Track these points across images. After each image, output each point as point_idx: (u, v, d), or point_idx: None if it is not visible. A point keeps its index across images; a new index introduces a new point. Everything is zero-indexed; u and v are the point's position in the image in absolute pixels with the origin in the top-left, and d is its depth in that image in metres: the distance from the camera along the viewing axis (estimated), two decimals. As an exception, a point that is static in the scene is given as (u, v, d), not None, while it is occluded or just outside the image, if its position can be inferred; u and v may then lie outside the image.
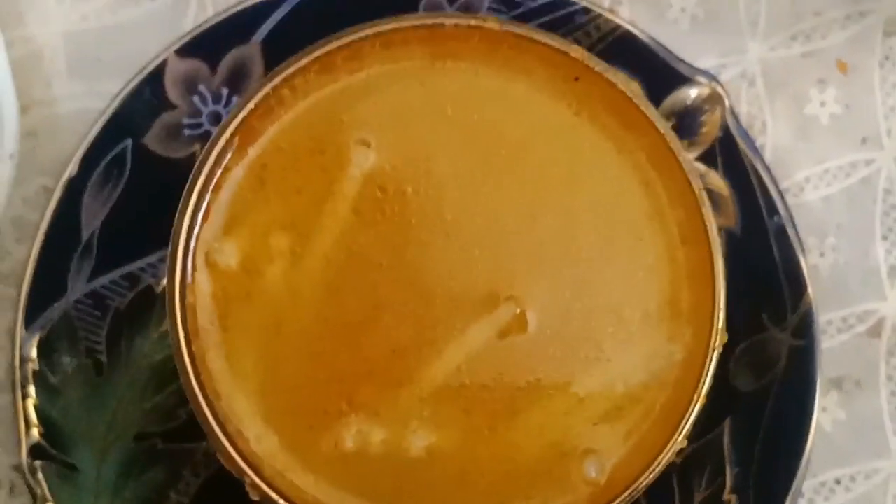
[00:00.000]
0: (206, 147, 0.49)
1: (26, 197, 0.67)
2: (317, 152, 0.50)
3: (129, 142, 0.63)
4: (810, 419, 0.62)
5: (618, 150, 0.51)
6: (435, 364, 0.47)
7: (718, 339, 0.47)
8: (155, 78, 0.63)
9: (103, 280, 0.63)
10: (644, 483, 0.46)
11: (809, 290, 0.64)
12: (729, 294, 0.63)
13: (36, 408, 0.61)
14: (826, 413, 0.67)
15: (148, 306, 0.63)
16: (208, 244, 0.48)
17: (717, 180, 0.64)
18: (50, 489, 0.60)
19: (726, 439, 0.61)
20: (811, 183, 0.70)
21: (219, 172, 0.49)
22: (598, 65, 0.51)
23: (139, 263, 0.63)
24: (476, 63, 0.50)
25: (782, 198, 0.66)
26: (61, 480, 0.60)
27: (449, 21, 0.50)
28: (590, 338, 0.49)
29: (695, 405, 0.47)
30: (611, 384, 0.48)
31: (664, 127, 0.51)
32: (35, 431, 0.60)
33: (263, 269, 0.48)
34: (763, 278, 0.64)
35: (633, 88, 0.51)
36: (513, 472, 0.47)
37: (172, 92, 0.63)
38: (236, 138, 0.49)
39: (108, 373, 0.61)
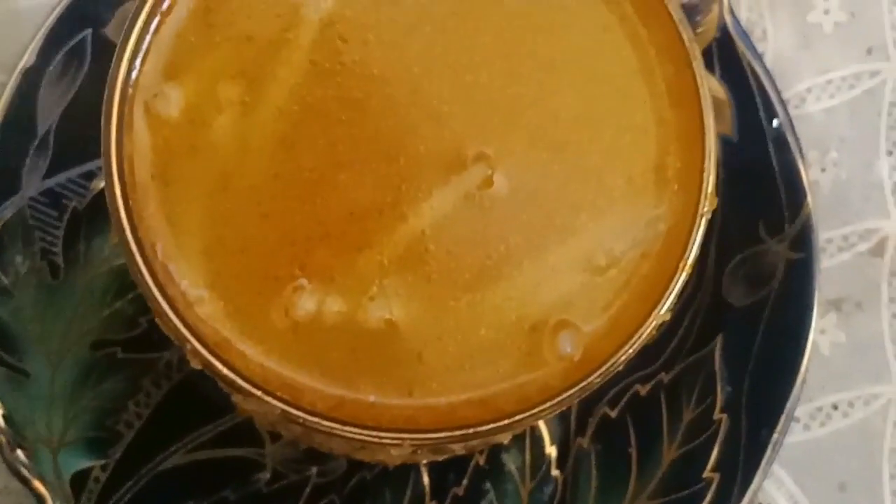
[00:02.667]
0: (147, -13, 0.45)
1: None
2: (270, -5, 0.46)
3: (88, 31, 0.61)
4: (806, 337, 0.59)
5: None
6: (397, 228, 0.43)
7: (707, 205, 0.44)
8: None
9: (60, 178, 0.60)
10: (623, 358, 0.42)
11: (809, 198, 0.60)
12: (723, 203, 0.60)
13: None
14: (824, 335, 0.64)
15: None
16: (148, 91, 0.44)
17: (714, 84, 0.60)
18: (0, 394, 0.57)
19: (717, 357, 0.59)
20: (813, 94, 0.67)
21: (160, 13, 0.44)
22: None
23: (99, 162, 0.59)
24: None
25: (782, 102, 0.62)
26: (12, 386, 0.57)
27: None
28: (568, 203, 0.45)
29: (680, 274, 0.43)
30: (588, 254, 0.44)
31: (652, -25, 0.46)
32: None
33: (210, 120, 0.44)
34: (760, 187, 0.61)
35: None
36: (478, 345, 0.43)
37: None
38: (180, -23, 0.45)
39: (65, 276, 0.58)
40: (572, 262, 0.44)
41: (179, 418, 0.55)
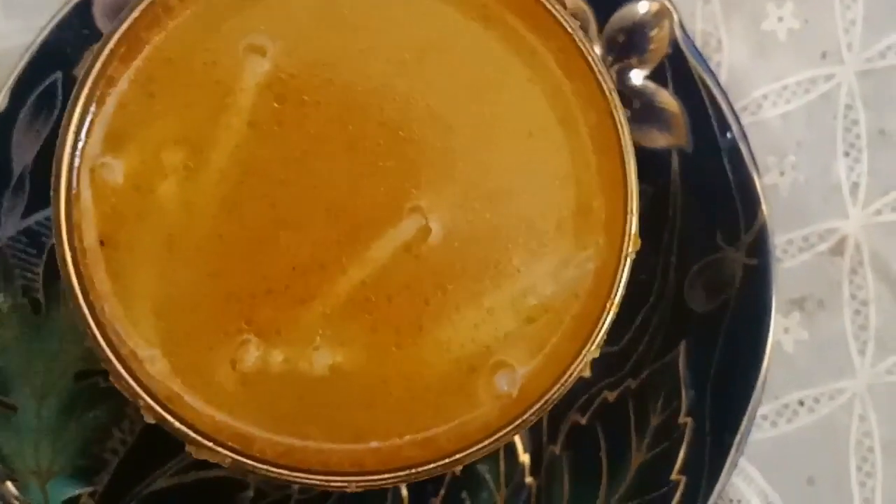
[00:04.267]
0: (90, 59, 0.47)
1: None
2: (208, 63, 0.48)
3: (59, 74, 0.61)
4: (766, 340, 0.61)
5: (527, 54, 0.49)
6: (338, 280, 0.45)
7: (631, 246, 0.46)
8: (83, 7, 0.61)
9: (38, 216, 0.61)
10: (557, 394, 0.44)
11: (763, 207, 0.62)
12: (682, 214, 0.62)
13: None
14: (788, 334, 0.66)
15: (86, 243, 0.61)
16: (94, 161, 0.46)
17: (668, 98, 0.62)
18: None
19: (682, 362, 0.60)
20: (769, 100, 0.69)
21: (103, 85, 0.46)
22: (503, -36, 0.48)
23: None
24: (377, -34, 0.48)
25: (735, 114, 0.64)
26: (0, 421, 0.58)
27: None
28: (500, 248, 0.47)
29: (608, 314, 0.45)
30: (522, 296, 0.46)
31: (573, 27, 0.48)
32: None
33: (155, 186, 0.46)
34: (716, 197, 0.62)
35: (540, -11, 0.49)
36: (421, 389, 0.45)
37: (102, 21, 0.61)
38: (122, 49, 0.47)
39: (46, 311, 0.59)
40: (507, 304, 0.46)
41: (163, 442, 0.57)
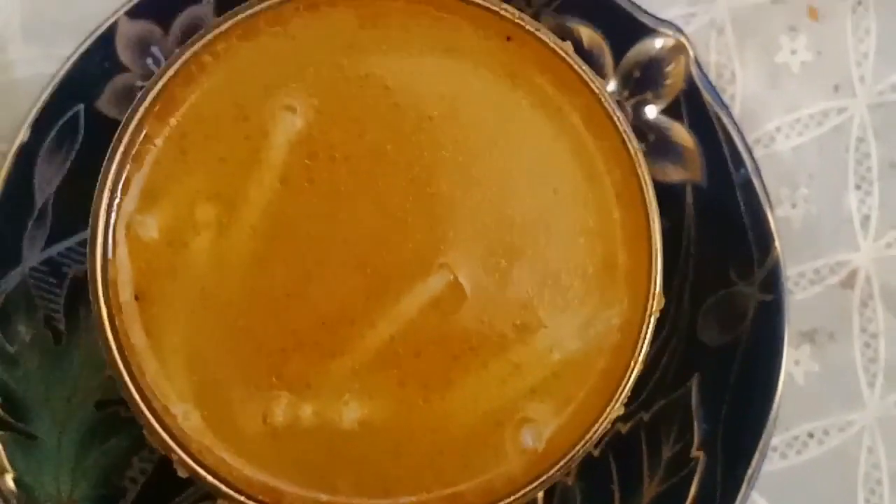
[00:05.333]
0: (124, 118, 0.47)
1: None
2: (240, 119, 0.48)
3: (81, 106, 0.62)
4: (778, 375, 0.61)
5: (553, 111, 0.50)
6: (367, 335, 0.46)
7: (655, 304, 0.46)
8: (106, 41, 0.62)
9: (59, 247, 0.62)
10: (581, 451, 0.45)
11: (776, 243, 0.62)
12: (696, 248, 0.63)
13: None
14: (799, 366, 0.66)
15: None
16: (129, 217, 0.46)
17: (682, 133, 0.63)
18: (10, 459, 0.59)
19: (694, 395, 0.60)
20: (782, 132, 0.69)
21: (138, 143, 0.47)
22: (530, 24, 0.49)
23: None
24: (405, 24, 0.49)
25: (748, 150, 0.64)
26: (22, 450, 0.59)
27: (376, -19, 0.49)
28: (526, 304, 0.47)
29: (632, 371, 0.46)
30: (547, 351, 0.47)
31: (599, 86, 0.49)
32: None
33: (188, 241, 0.47)
34: (730, 232, 0.63)
35: (565, 48, 0.49)
36: (448, 442, 0.46)
37: (124, 55, 0.62)
38: (156, 107, 0.48)
39: (67, 341, 0.60)
40: (533, 360, 0.47)
41: None
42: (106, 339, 0.43)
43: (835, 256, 0.68)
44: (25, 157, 0.61)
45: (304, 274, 0.46)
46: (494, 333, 0.47)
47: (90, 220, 0.45)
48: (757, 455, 0.60)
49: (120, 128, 0.47)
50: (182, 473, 0.44)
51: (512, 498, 0.44)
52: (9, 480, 0.58)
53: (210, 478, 0.43)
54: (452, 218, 0.48)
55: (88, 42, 0.62)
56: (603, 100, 0.49)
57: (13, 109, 0.64)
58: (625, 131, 0.49)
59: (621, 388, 0.45)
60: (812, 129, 0.69)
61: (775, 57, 0.70)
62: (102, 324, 0.44)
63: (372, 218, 0.47)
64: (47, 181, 0.61)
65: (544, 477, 0.44)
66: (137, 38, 0.61)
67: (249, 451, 0.44)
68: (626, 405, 0.49)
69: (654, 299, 0.45)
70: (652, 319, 0.45)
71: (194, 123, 0.48)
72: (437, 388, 0.46)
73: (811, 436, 0.66)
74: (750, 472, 0.60)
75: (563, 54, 0.49)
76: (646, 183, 0.47)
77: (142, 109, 0.47)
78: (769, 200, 0.63)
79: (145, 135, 0.48)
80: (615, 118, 0.49)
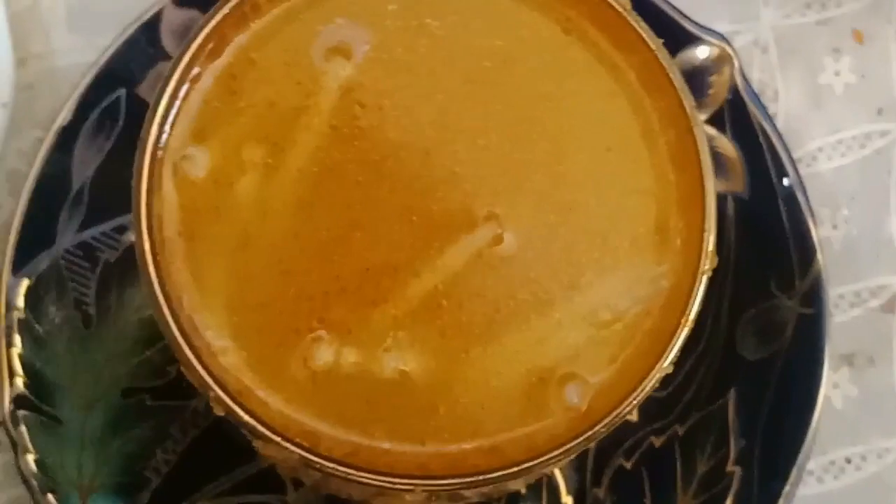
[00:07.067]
0: (176, 55, 0.47)
1: (21, 149, 0.66)
2: (291, 64, 0.48)
3: (122, 91, 0.63)
4: (818, 390, 0.60)
5: (608, 68, 0.49)
6: (411, 284, 0.45)
7: (708, 263, 0.45)
8: (151, 27, 0.63)
9: (94, 231, 0.62)
10: (627, 409, 0.44)
11: (819, 255, 0.62)
12: (736, 260, 0.62)
13: (21, 357, 0.59)
14: (837, 389, 0.65)
15: (140, 260, 0.62)
16: (177, 153, 0.46)
17: (726, 144, 0.62)
18: (32, 440, 0.58)
19: (731, 409, 0.60)
20: (824, 153, 0.69)
21: (188, 81, 0.47)
22: (587, -22, 0.49)
23: (131, 216, 0.62)
24: (461, -27, 0.49)
25: (792, 161, 0.64)
26: (45, 432, 0.58)
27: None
28: (574, 262, 0.47)
29: (682, 329, 0.45)
30: (594, 310, 0.46)
31: (655, 44, 0.49)
32: (19, 381, 0.59)
33: (234, 182, 0.46)
34: (771, 244, 0.62)
35: (623, 3, 0.49)
36: (489, 397, 0.45)
37: (168, 42, 0.62)
38: (208, 46, 0.47)
39: (97, 326, 0.60)
40: (578, 317, 0.46)
41: (205, 465, 0.56)
42: (147, 273, 0.43)
43: (875, 280, 0.67)
44: (65, 139, 0.62)
45: (350, 220, 0.46)
46: (540, 289, 0.46)
47: (137, 152, 0.44)
48: (795, 471, 0.59)
49: (171, 64, 0.47)
50: (218, 412, 0.43)
51: (553, 454, 0.43)
52: (30, 461, 0.57)
53: (247, 417, 0.42)
54: (502, 171, 0.47)
55: (133, 28, 0.63)
56: (659, 57, 0.48)
57: (54, 98, 0.65)
58: (681, 90, 0.48)
59: (670, 347, 0.44)
60: (854, 150, 0.69)
61: (818, 78, 0.70)
62: (145, 258, 0.43)
63: (420, 167, 0.47)
64: (85, 164, 0.61)
65: (589, 433, 0.42)
66: (182, 25, 0.62)
67: (288, 394, 0.44)
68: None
69: (706, 257, 0.44)
70: (704, 278, 0.44)
71: (245, 65, 0.48)
72: (479, 341, 0.45)
73: (848, 461, 0.65)
74: (787, 488, 0.58)
75: (621, 10, 0.48)
76: (701, 143, 0.46)
77: (193, 47, 0.47)
78: (812, 213, 0.62)
79: (196, 73, 0.47)
80: (672, 77, 0.48)
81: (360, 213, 0.46)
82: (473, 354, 0.45)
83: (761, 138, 0.63)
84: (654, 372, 0.45)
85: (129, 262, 0.61)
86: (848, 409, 0.65)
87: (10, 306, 0.60)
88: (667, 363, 0.45)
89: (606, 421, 0.44)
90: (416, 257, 0.46)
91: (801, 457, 0.59)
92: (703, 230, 0.46)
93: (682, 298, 0.46)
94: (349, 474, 0.43)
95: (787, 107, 0.69)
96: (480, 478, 0.43)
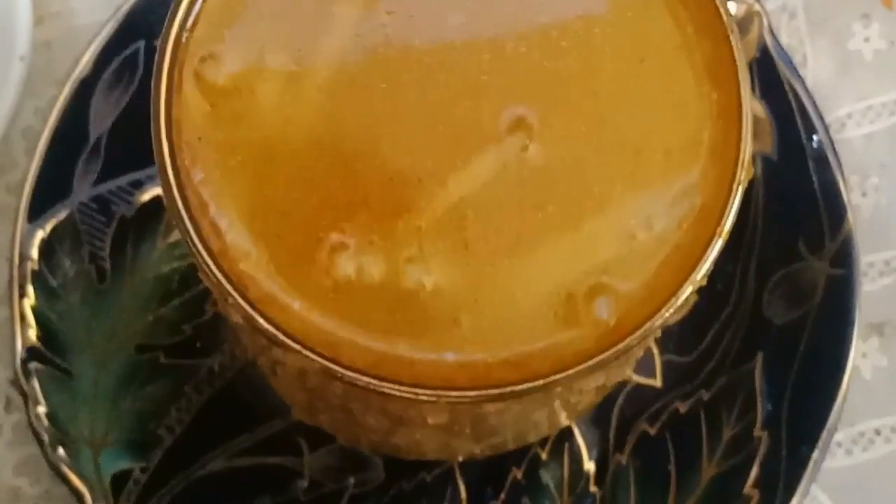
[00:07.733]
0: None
1: (39, 107, 0.66)
2: (317, -32, 0.47)
3: (141, 43, 0.63)
4: (848, 352, 0.59)
5: (642, -26, 0.48)
6: (435, 194, 0.44)
7: (744, 174, 0.44)
8: None
9: (110, 185, 0.62)
10: (658, 324, 0.42)
11: (849, 214, 0.60)
12: (764, 221, 0.60)
13: (34, 309, 0.59)
14: (866, 359, 0.64)
15: (156, 216, 0.62)
16: (197, 57, 0.45)
17: (754, 103, 0.61)
18: (44, 393, 0.58)
19: (758, 374, 0.59)
20: (853, 119, 0.68)
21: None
22: None
23: (148, 171, 0.61)
24: None
25: (822, 120, 0.63)
26: (57, 386, 0.58)
27: None
28: (605, 175, 0.45)
29: (716, 241, 0.43)
30: (625, 223, 0.45)
31: (691, -49, 0.47)
32: (32, 333, 0.58)
33: (255, 88, 0.45)
34: (800, 204, 0.61)
35: None
36: (515, 310, 0.44)
37: None
38: (231, -53, 0.46)
39: (111, 280, 0.60)
40: (609, 230, 0.45)
41: (220, 425, 0.56)
42: (166, 175, 0.42)
43: (906, 248, 0.66)
44: (83, 91, 0.62)
45: (374, 129, 0.45)
46: (569, 201, 0.44)
47: (157, 53, 0.43)
48: (824, 436, 0.58)
49: (193, -34, 0.46)
50: (236, 318, 0.42)
51: (582, 367, 0.41)
52: (41, 414, 0.57)
53: (266, 324, 0.41)
54: (531, 82, 0.46)
55: (153, -19, 0.63)
56: (695, -35, 0.46)
57: (71, 55, 0.64)
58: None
59: (703, 260, 0.42)
60: (885, 118, 0.68)
61: (848, 44, 0.69)
62: (163, 160, 0.42)
63: (447, 76, 0.46)
64: (102, 117, 0.61)
65: (619, 346, 0.41)
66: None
67: (309, 303, 0.42)
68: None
69: (742, 167, 0.43)
70: (740, 189, 0.43)
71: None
72: (505, 254, 0.44)
73: (878, 433, 0.64)
74: (816, 453, 0.58)
75: (655, -87, 0.47)
76: (737, 51, 0.45)
77: (216, -52, 0.46)
78: (842, 171, 0.61)
79: (218, -26, 0.46)
80: (708, -15, 0.47)
81: (385, 122, 0.45)
82: (500, 267, 0.44)
83: (791, 98, 0.62)
84: (686, 284, 0.43)
85: (145, 218, 0.61)
86: (877, 380, 0.64)
87: (23, 257, 0.60)
88: (700, 276, 0.43)
89: (636, 335, 0.43)
90: (442, 167, 0.44)
91: (830, 421, 0.58)
92: (739, 140, 0.44)
93: (716, 212, 0.44)
94: (371, 384, 0.41)
95: (815, 73, 0.69)
96: (506, 390, 0.42)
